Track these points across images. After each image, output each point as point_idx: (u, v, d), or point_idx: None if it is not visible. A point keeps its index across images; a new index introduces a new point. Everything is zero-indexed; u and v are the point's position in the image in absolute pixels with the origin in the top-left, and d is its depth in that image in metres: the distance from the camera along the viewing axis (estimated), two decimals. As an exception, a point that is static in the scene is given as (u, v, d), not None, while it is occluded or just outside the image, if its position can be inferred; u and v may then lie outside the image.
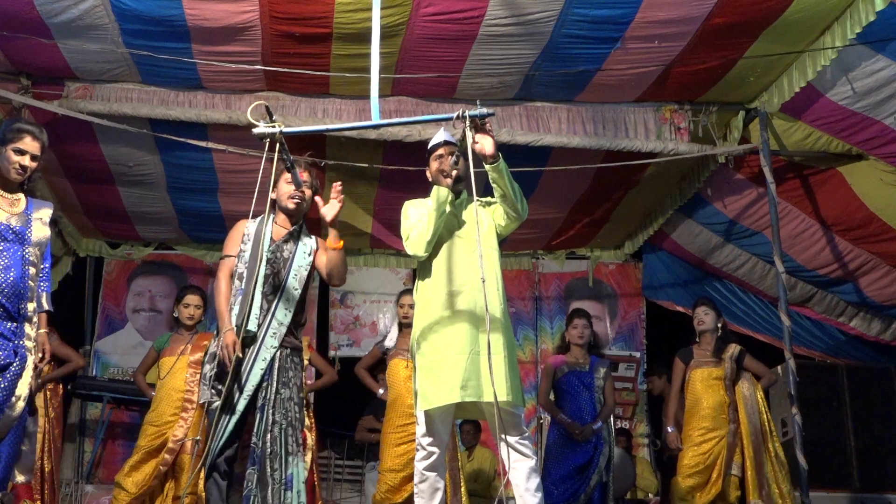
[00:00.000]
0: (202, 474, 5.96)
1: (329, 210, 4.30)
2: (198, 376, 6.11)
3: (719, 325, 6.45)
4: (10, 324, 4.00)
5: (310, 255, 4.51)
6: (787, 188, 7.10)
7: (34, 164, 4.13)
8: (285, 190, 4.46)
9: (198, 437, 5.93)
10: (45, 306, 4.23)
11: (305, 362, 6.38)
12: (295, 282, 4.40)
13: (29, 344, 4.06)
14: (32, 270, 4.12)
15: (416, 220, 4.41)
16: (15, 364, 3.95)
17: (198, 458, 5.80)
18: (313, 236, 4.63)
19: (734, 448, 6.26)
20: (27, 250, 4.09)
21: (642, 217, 8.64)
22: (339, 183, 4.30)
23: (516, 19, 5.55)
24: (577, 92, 6.53)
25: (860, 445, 7.47)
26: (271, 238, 4.42)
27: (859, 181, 6.83)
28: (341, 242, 4.41)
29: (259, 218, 4.47)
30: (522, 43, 5.81)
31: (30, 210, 4.20)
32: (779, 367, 7.14)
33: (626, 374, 8.50)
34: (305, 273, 4.46)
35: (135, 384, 6.73)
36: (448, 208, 4.37)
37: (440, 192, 4.32)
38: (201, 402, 4.11)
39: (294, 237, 4.48)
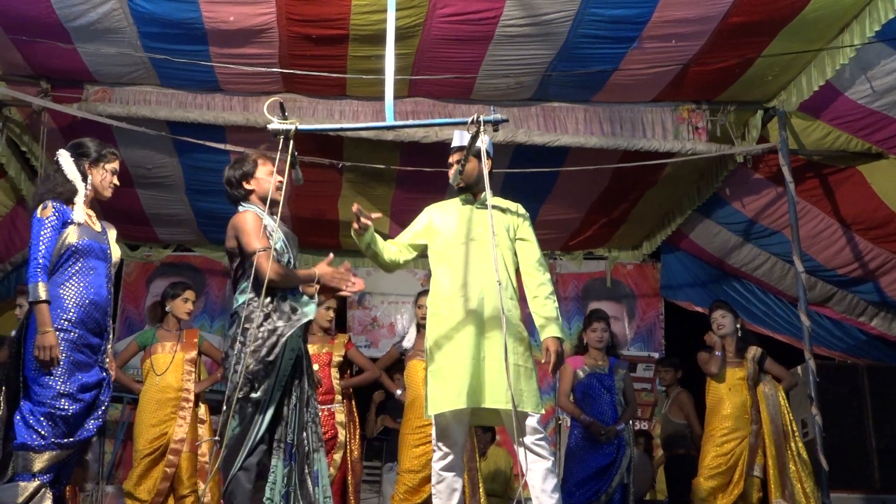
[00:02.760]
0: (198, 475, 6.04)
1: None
2: (193, 375, 6.14)
3: (738, 325, 6.42)
4: (97, 340, 4.16)
5: (295, 240, 4.55)
6: (806, 187, 7.06)
7: (112, 175, 4.37)
8: (268, 180, 4.36)
9: (216, 438, 5.96)
10: None
11: (339, 359, 6.41)
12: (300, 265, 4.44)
13: (108, 361, 4.24)
14: (112, 289, 4.30)
15: (404, 233, 4.57)
16: (106, 380, 4.16)
17: (215, 458, 5.84)
18: None
19: (756, 449, 6.23)
20: (110, 268, 4.27)
21: (660, 217, 8.61)
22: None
23: (532, 20, 5.54)
24: (594, 92, 6.52)
25: (881, 446, 7.40)
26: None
27: (879, 180, 6.79)
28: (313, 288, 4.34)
29: (260, 211, 4.38)
30: (539, 43, 5.81)
31: (104, 230, 4.35)
32: (799, 368, 7.09)
33: (644, 375, 8.45)
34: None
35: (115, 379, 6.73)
36: (377, 251, 4.51)
37: (358, 241, 4.48)
38: (240, 395, 4.04)
39: (278, 228, 4.44)
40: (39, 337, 3.93)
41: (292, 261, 4.38)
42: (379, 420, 8.02)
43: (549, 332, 4.25)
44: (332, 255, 4.29)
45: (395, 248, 4.57)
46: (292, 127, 4.12)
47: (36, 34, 5.63)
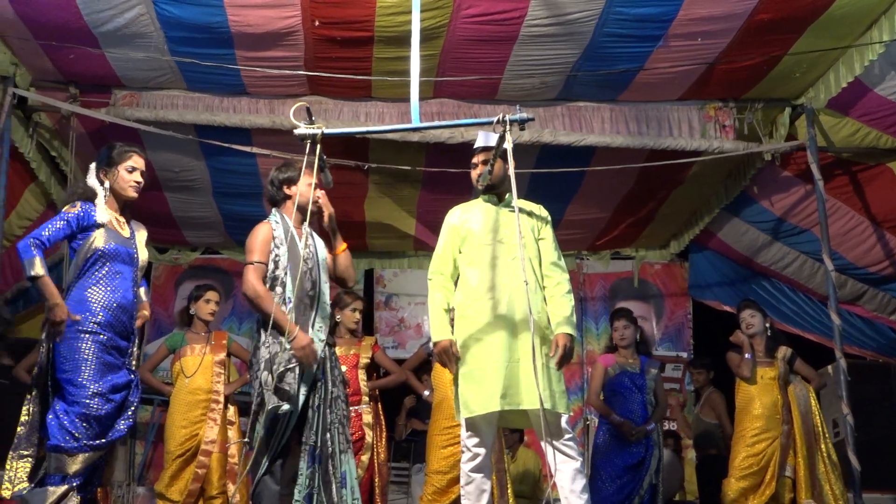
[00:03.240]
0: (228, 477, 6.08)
1: (324, 218, 4.48)
2: (223, 376, 6.18)
3: (767, 325, 6.37)
4: (124, 343, 4.22)
5: (324, 251, 4.55)
6: (835, 185, 6.99)
7: (141, 180, 4.36)
8: (306, 192, 4.45)
9: (245, 440, 5.99)
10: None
11: (366, 360, 6.43)
12: (325, 276, 4.44)
13: (134, 363, 4.30)
14: (139, 292, 4.36)
15: (437, 260, 4.53)
16: (134, 381, 4.21)
17: (244, 460, 5.88)
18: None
19: (788, 449, 6.19)
20: (136, 272, 4.32)
21: (688, 216, 8.57)
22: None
23: (557, 19, 5.53)
24: (620, 91, 6.50)
25: (913, 446, 7.32)
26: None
27: (910, 177, 6.72)
28: (344, 245, 4.56)
29: (274, 220, 4.45)
30: (564, 43, 5.79)
31: (133, 233, 4.39)
32: (829, 367, 7.03)
33: (673, 375, 8.43)
34: (327, 266, 4.51)
35: (145, 382, 6.78)
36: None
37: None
38: (269, 408, 4.09)
39: (310, 235, 4.49)
40: (49, 310, 3.97)
41: (316, 273, 4.40)
42: (408, 423, 8.03)
43: (561, 328, 4.24)
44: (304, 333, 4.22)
45: (450, 293, 4.51)
46: (318, 131, 4.14)
47: (65, 40, 5.68)
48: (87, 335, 4.05)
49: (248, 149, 6.58)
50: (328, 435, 4.22)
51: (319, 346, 4.28)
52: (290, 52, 5.87)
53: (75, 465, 4.00)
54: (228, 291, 6.41)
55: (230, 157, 6.96)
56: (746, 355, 6.27)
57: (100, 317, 4.09)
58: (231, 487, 6.03)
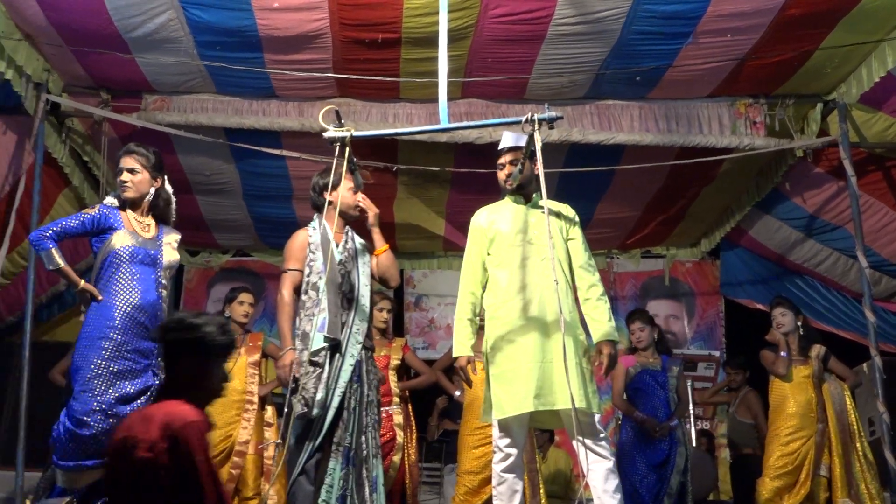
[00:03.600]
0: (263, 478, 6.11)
1: (369, 217, 4.52)
2: (257, 377, 6.22)
3: (799, 323, 6.31)
4: (149, 344, 4.20)
5: (365, 253, 4.56)
6: (868, 181, 6.92)
7: (134, 177, 4.37)
8: (347, 197, 4.49)
9: (278, 441, 6.03)
10: None
11: (396, 362, 6.45)
12: (365, 279, 4.45)
13: (162, 364, 4.21)
14: (164, 293, 4.33)
15: (466, 267, 4.56)
16: (154, 386, 4.13)
17: (279, 461, 5.91)
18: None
19: (823, 448, 6.11)
20: (159, 273, 4.31)
21: (719, 214, 8.51)
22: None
23: (584, 18, 5.51)
24: (649, 89, 6.46)
25: (951, 444, 7.21)
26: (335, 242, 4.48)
27: (945, 172, 6.64)
28: (386, 246, 4.58)
29: (312, 226, 4.50)
30: (592, 41, 5.77)
31: (160, 236, 4.42)
32: (864, 365, 6.96)
33: (705, 374, 8.37)
34: (369, 271, 4.51)
35: None
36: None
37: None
38: (297, 415, 4.14)
39: (350, 238, 4.52)
40: (80, 295, 4.20)
41: (354, 276, 4.42)
42: (439, 424, 8.04)
43: (603, 334, 4.24)
44: (293, 352, 4.27)
45: (478, 299, 4.55)
46: (347, 133, 4.17)
47: (96, 46, 5.74)
48: (100, 341, 4.08)
49: (277, 151, 6.61)
50: (363, 437, 4.24)
51: (356, 349, 4.31)
52: (318, 54, 5.89)
53: (72, 482, 4.03)
54: (259, 293, 6.45)
55: (260, 160, 7.00)
56: (782, 353, 6.22)
57: (116, 321, 4.11)
58: (265, 487, 6.06)
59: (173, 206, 4.58)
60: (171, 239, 4.46)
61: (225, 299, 6.46)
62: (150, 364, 4.20)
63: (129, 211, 4.38)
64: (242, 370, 6.20)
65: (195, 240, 8.94)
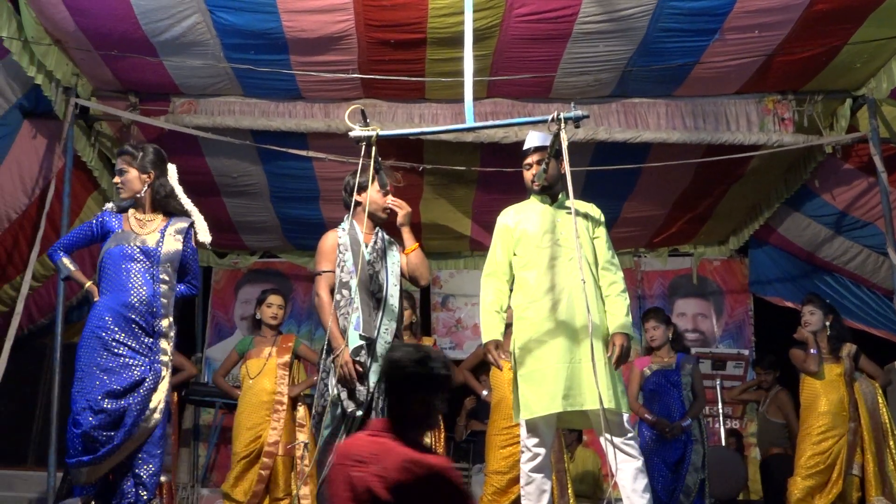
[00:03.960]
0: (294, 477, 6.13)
1: (399, 216, 4.51)
2: (287, 378, 6.24)
3: (827, 322, 6.25)
4: (146, 339, 4.24)
5: (396, 252, 4.56)
6: (899, 176, 6.85)
7: (123, 178, 4.45)
8: (376, 198, 4.50)
9: (306, 441, 6.06)
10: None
11: None
12: (394, 278, 4.46)
13: (164, 358, 4.26)
14: (164, 287, 4.33)
15: (490, 262, 4.58)
16: (149, 379, 4.17)
17: (309, 461, 5.93)
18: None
19: (855, 447, 6.06)
20: (157, 268, 4.33)
21: (747, 211, 8.45)
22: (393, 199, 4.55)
23: (610, 16, 5.49)
24: (676, 86, 6.43)
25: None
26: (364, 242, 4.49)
27: (977, 167, 6.55)
28: (416, 245, 4.58)
29: (342, 227, 4.52)
30: (617, 39, 5.75)
31: (165, 227, 4.43)
32: (895, 363, 6.89)
33: (734, 373, 8.30)
34: (399, 271, 4.52)
35: (217, 386, 6.90)
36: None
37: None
38: (348, 411, 4.16)
39: (380, 238, 4.54)
40: (85, 292, 4.39)
41: (383, 276, 4.43)
42: (467, 424, 8.04)
43: (617, 326, 4.23)
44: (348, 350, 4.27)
45: (503, 295, 4.55)
46: (373, 133, 4.18)
47: (124, 50, 5.79)
48: (91, 340, 4.18)
49: (304, 153, 6.64)
50: None
51: (385, 349, 4.32)
52: (343, 55, 5.91)
53: (81, 477, 4.11)
54: (287, 295, 6.49)
55: (287, 162, 7.03)
56: (812, 351, 6.17)
57: (105, 319, 4.19)
58: (295, 485, 6.10)
59: (179, 196, 4.56)
60: (175, 228, 4.46)
61: (256, 301, 6.54)
62: (147, 359, 4.22)
63: (131, 210, 4.47)
64: (272, 371, 6.23)
65: (223, 242, 9.00)
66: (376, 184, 4.47)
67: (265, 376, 6.21)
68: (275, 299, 6.40)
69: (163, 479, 4.41)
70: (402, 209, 4.53)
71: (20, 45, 5.44)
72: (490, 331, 4.42)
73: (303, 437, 6.18)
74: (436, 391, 3.16)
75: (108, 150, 6.88)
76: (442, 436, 6.63)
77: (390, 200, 4.52)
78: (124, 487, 4.19)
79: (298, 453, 6.15)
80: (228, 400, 7.13)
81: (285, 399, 6.19)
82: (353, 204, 4.51)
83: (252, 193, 7.79)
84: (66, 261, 4.45)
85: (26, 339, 7.51)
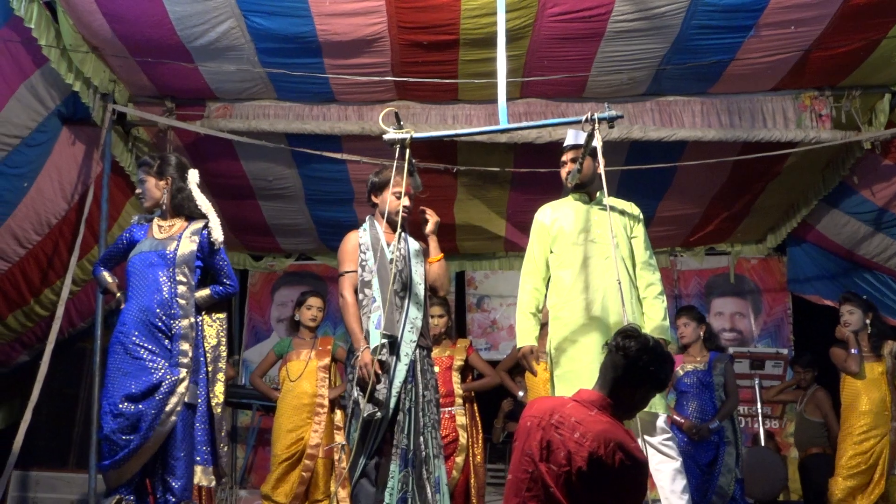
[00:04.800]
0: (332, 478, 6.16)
1: (429, 224, 4.55)
2: (327, 381, 6.28)
3: (867, 321, 6.17)
4: (166, 341, 4.29)
5: (419, 254, 4.57)
6: (940, 172, 6.74)
7: (143, 188, 4.60)
8: (393, 202, 4.51)
9: (343, 443, 6.08)
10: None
11: (460, 363, 6.47)
12: (418, 277, 4.48)
13: (184, 360, 4.28)
14: (182, 289, 4.38)
15: (528, 262, 4.60)
16: (166, 383, 4.20)
17: (345, 463, 5.95)
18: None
19: (897, 446, 6.00)
20: (174, 270, 4.38)
21: (785, 209, 8.37)
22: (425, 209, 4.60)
23: (644, 14, 5.46)
24: (711, 84, 6.38)
25: None
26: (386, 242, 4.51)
27: None
28: (440, 255, 4.59)
29: (363, 227, 4.55)
30: (651, 37, 5.71)
31: (184, 231, 4.50)
32: (938, 361, 6.78)
33: (773, 372, 8.21)
34: (423, 270, 4.52)
35: (254, 387, 6.94)
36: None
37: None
38: (365, 416, 4.17)
39: (403, 238, 4.55)
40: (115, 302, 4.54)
41: (406, 275, 4.44)
42: (505, 426, 8.04)
43: (653, 330, 4.21)
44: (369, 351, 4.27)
45: (539, 296, 4.58)
46: (407, 135, 4.20)
47: (160, 56, 5.85)
48: (114, 346, 4.27)
49: (338, 155, 6.66)
50: (421, 438, 4.25)
51: (411, 348, 4.32)
52: (376, 58, 5.93)
53: (110, 481, 4.17)
54: (322, 296, 6.53)
55: (321, 165, 7.07)
56: (853, 350, 6.10)
57: (127, 325, 4.28)
58: (333, 487, 6.12)
59: (196, 200, 4.58)
60: (191, 230, 4.52)
61: (295, 303, 6.61)
62: (166, 361, 4.26)
63: (156, 219, 4.60)
64: (313, 374, 6.27)
65: (259, 245, 9.07)
66: (395, 187, 4.48)
67: (305, 379, 6.25)
68: (314, 301, 6.44)
69: (205, 483, 4.40)
70: (431, 217, 4.55)
71: (58, 52, 5.51)
72: (524, 335, 4.43)
73: (340, 439, 6.21)
74: (657, 391, 3.24)
75: (146, 155, 6.95)
76: (480, 437, 6.62)
77: (408, 204, 4.53)
78: (156, 492, 4.25)
79: (336, 455, 6.18)
80: (266, 402, 7.17)
81: (325, 401, 6.23)
82: (372, 205, 4.64)
83: (287, 196, 7.83)
84: (105, 274, 4.68)
85: (67, 342, 7.61)
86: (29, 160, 6.14)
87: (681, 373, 6.28)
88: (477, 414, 6.65)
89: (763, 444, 7.58)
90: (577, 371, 4.19)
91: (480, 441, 6.62)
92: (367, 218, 4.63)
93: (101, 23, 5.51)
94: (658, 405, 4.15)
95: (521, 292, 4.55)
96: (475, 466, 6.41)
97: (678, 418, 6.12)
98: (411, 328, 4.37)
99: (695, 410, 6.14)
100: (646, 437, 4.11)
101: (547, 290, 4.55)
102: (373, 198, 4.63)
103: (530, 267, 4.56)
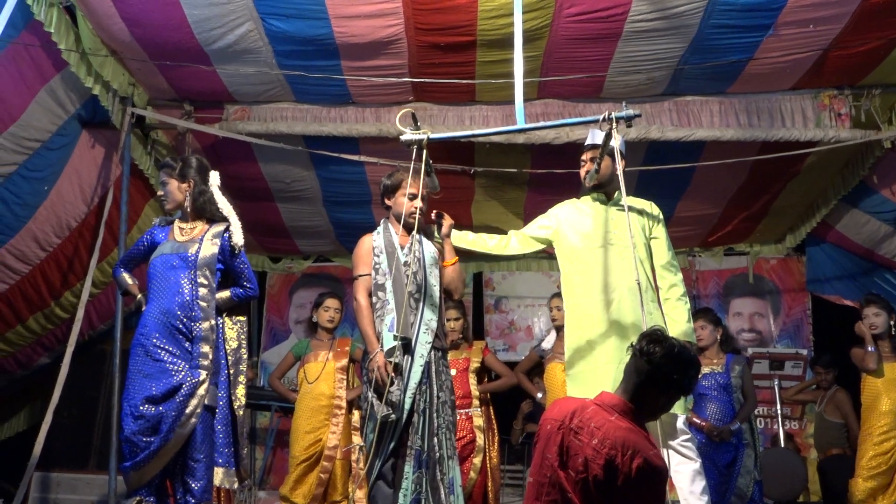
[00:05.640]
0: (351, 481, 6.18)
1: (443, 228, 4.56)
2: (345, 382, 6.29)
3: (892, 322, 6.13)
4: (186, 343, 4.31)
5: (434, 254, 4.57)
6: (961, 171, 6.69)
7: (165, 190, 4.63)
8: (404, 204, 4.52)
9: (361, 444, 6.09)
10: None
11: (476, 364, 6.48)
12: (433, 279, 4.47)
13: (204, 363, 4.29)
14: (203, 291, 4.40)
15: (529, 225, 4.68)
16: (186, 385, 4.22)
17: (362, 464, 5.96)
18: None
19: (919, 448, 5.95)
20: (195, 273, 4.40)
21: (804, 209, 8.32)
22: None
23: (661, 13, 5.44)
24: (729, 83, 6.35)
25: None
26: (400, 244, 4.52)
27: None
28: (455, 258, 4.58)
29: (376, 231, 4.57)
30: (669, 37, 5.70)
31: (205, 233, 4.53)
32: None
33: (792, 373, 8.17)
34: (438, 272, 4.53)
35: (272, 388, 6.95)
36: (476, 249, 4.76)
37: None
38: (378, 416, 4.18)
39: (418, 241, 4.55)
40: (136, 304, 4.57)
41: (421, 277, 4.44)
42: (524, 428, 8.03)
43: (678, 334, 4.18)
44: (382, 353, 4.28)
45: (497, 240, 4.70)
46: (424, 137, 4.20)
47: (178, 59, 5.88)
48: (135, 348, 4.30)
49: (356, 157, 6.68)
50: (435, 440, 4.25)
51: (426, 349, 4.33)
52: (394, 60, 5.94)
53: (130, 482, 4.19)
54: (340, 298, 6.55)
55: (339, 167, 7.09)
56: (870, 348, 6.06)
57: (147, 326, 4.30)
58: (351, 487, 6.14)
59: (218, 203, 4.61)
60: (212, 233, 4.54)
61: (313, 304, 6.61)
62: (187, 363, 4.27)
63: (177, 221, 4.62)
64: (331, 375, 6.28)
65: (277, 246, 9.09)
66: (408, 189, 4.48)
67: (323, 380, 6.26)
68: (332, 303, 6.45)
69: (227, 485, 4.42)
70: (446, 221, 4.56)
71: (78, 56, 5.55)
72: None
73: (358, 440, 6.22)
74: (681, 397, 3.25)
75: (164, 157, 6.99)
76: (496, 438, 6.62)
77: (420, 205, 4.53)
78: (176, 493, 4.27)
79: (354, 456, 6.19)
80: (284, 403, 7.19)
81: (343, 403, 6.24)
82: (386, 207, 4.65)
83: (305, 198, 7.85)
84: (125, 276, 4.70)
85: (87, 344, 7.66)
86: (49, 163, 6.18)
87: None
88: (493, 415, 6.65)
89: (783, 445, 7.53)
90: (591, 371, 4.18)
91: (496, 443, 6.62)
92: (382, 221, 4.64)
93: (119, 27, 5.54)
94: (677, 406, 4.12)
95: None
96: (491, 469, 6.41)
97: (698, 420, 6.10)
98: (426, 330, 4.37)
99: (714, 413, 6.11)
100: (663, 439, 4.09)
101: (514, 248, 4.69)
102: (386, 201, 4.64)
103: (521, 229, 4.66)
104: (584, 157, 4.57)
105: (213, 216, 4.60)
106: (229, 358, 4.46)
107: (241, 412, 4.50)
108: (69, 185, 6.48)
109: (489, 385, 6.67)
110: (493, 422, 6.64)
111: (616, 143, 4.06)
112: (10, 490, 6.68)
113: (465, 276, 8.83)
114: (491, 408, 6.68)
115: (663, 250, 4.41)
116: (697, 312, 6.52)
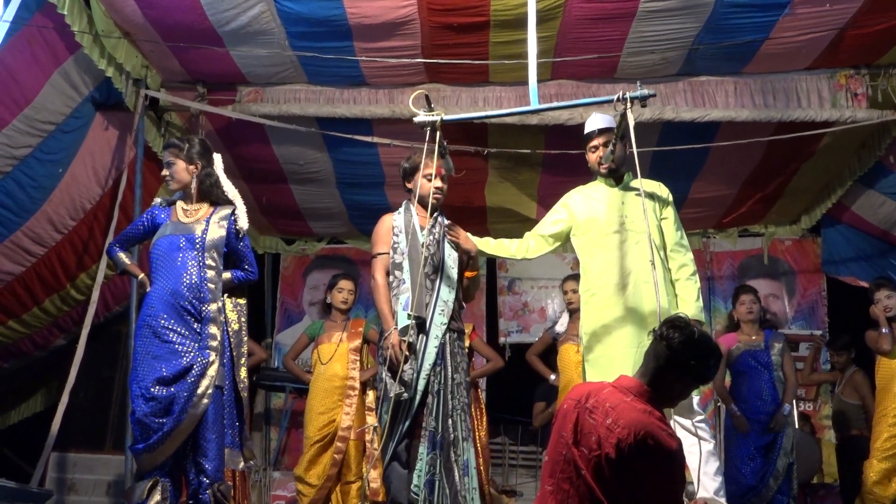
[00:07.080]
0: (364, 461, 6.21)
1: (460, 243, 4.55)
2: (358, 363, 6.31)
3: (905, 303, 6.11)
4: (195, 324, 4.33)
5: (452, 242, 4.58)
6: (978, 151, 6.63)
7: (171, 170, 4.59)
8: (425, 185, 4.51)
9: (375, 424, 6.11)
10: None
11: (466, 347, 6.51)
12: (451, 261, 4.48)
13: (213, 343, 4.32)
14: (211, 273, 4.42)
15: (542, 223, 4.65)
16: (197, 365, 4.24)
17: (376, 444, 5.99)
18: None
19: (933, 428, 5.94)
20: (203, 255, 4.42)
21: (819, 190, 8.26)
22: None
23: (676, -7, 5.41)
24: (744, 63, 6.30)
25: None
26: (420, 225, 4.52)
27: None
28: (475, 272, 4.65)
29: (398, 211, 4.57)
30: (684, 17, 5.65)
31: (211, 215, 4.53)
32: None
33: (807, 354, 8.16)
34: (456, 256, 4.53)
35: (287, 369, 6.99)
36: (500, 255, 4.79)
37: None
38: (391, 395, 4.20)
39: (438, 223, 4.55)
40: (139, 286, 4.55)
41: (438, 258, 4.44)
42: (547, 412, 8.05)
43: (687, 312, 4.17)
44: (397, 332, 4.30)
45: (517, 244, 4.70)
46: (437, 118, 4.20)
47: (191, 41, 5.87)
48: (142, 329, 4.30)
49: (369, 139, 6.68)
50: (450, 421, 4.26)
51: (440, 330, 4.33)
52: (407, 41, 5.92)
53: (143, 465, 4.22)
54: (354, 279, 6.57)
55: (352, 148, 7.08)
56: (883, 329, 6.03)
57: (155, 307, 4.30)
58: (365, 469, 6.17)
59: (224, 186, 4.64)
60: (219, 216, 4.56)
61: (327, 286, 6.65)
62: (197, 344, 4.30)
63: (179, 202, 4.60)
64: (344, 356, 6.31)
65: (291, 228, 9.10)
66: (426, 169, 4.48)
67: (337, 361, 6.29)
68: (346, 284, 6.47)
69: (231, 466, 4.45)
70: (459, 233, 4.57)
71: (91, 38, 5.56)
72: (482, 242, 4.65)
73: (372, 420, 6.24)
74: (699, 384, 3.25)
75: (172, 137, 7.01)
76: (484, 418, 6.74)
77: (440, 186, 4.55)
78: (189, 474, 4.30)
79: (368, 437, 6.21)
80: (299, 384, 7.22)
81: (357, 384, 6.26)
82: (406, 190, 4.67)
83: (319, 180, 7.86)
84: (122, 255, 4.71)
85: (102, 326, 7.71)
86: (63, 146, 6.20)
87: (736, 352, 6.20)
88: (482, 398, 6.73)
89: (798, 426, 7.52)
90: (608, 355, 4.18)
91: (485, 423, 6.69)
92: (404, 202, 4.65)
93: (132, 8, 5.54)
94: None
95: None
96: (481, 447, 6.46)
97: (734, 410, 6.06)
98: (442, 311, 4.38)
99: (753, 392, 6.06)
100: (678, 418, 4.09)
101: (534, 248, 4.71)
102: (406, 184, 4.67)
103: (536, 227, 4.65)
104: (592, 143, 4.54)
105: (218, 199, 4.61)
106: (231, 340, 4.48)
107: (245, 394, 4.54)
108: (83, 167, 6.50)
109: (478, 371, 6.76)
110: (481, 403, 6.80)
111: (631, 122, 4.04)
112: (27, 470, 6.74)
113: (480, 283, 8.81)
114: (478, 391, 6.75)
115: (672, 230, 4.41)
116: (745, 287, 6.49)
